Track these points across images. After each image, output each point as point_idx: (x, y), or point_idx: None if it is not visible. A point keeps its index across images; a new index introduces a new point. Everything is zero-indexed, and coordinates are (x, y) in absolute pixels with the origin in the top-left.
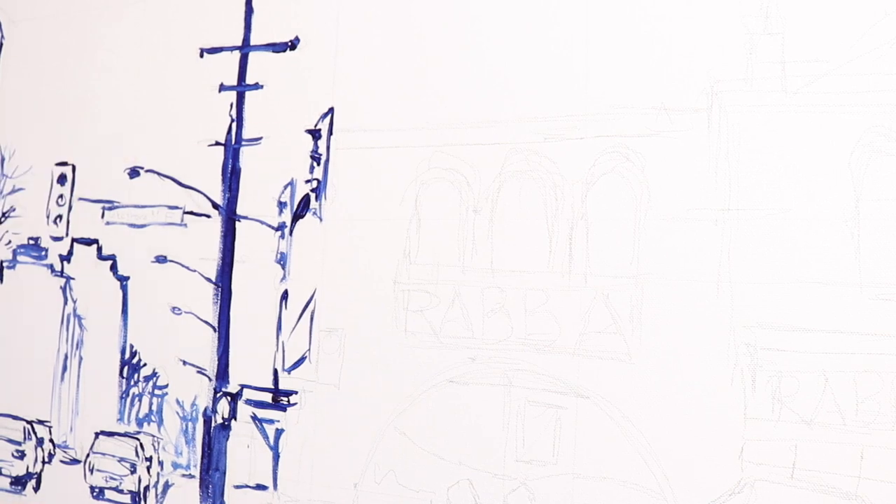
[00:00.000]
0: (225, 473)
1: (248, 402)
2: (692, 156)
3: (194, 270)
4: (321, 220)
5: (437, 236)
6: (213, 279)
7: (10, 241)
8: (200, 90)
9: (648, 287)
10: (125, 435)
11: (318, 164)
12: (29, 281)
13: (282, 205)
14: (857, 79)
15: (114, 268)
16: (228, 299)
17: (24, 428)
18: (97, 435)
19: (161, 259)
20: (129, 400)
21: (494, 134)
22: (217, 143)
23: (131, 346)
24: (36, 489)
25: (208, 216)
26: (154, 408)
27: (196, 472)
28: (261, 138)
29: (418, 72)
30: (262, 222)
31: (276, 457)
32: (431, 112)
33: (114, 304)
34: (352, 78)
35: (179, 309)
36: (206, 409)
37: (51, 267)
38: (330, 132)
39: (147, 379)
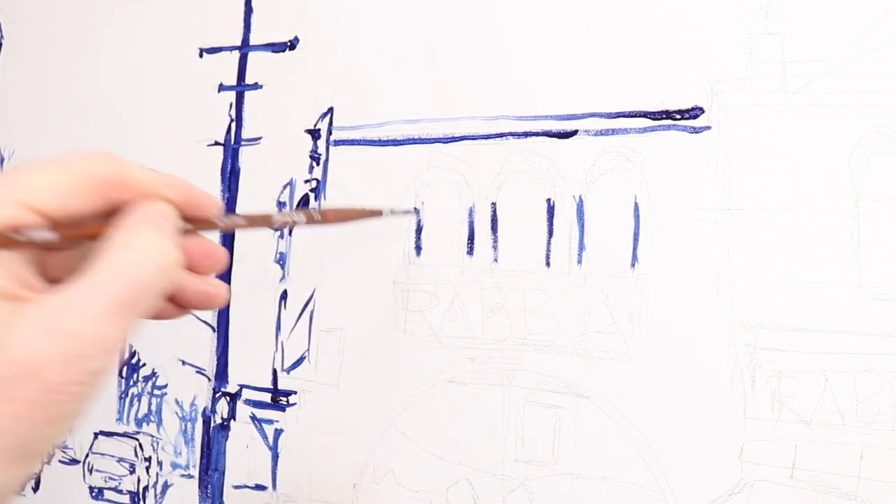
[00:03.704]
0: (224, 473)
1: (247, 402)
2: (692, 156)
3: None
4: None
5: (437, 236)
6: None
7: None
8: (199, 90)
9: (648, 287)
10: (124, 435)
11: (318, 164)
12: None
13: (281, 205)
14: (857, 79)
15: None
16: (227, 299)
17: None
18: (96, 435)
19: None
20: (128, 400)
21: (494, 134)
22: (216, 143)
23: (130, 346)
24: (35, 489)
25: None
26: (153, 408)
27: (195, 472)
28: (260, 138)
29: (418, 72)
30: None
31: (276, 457)
32: (431, 112)
33: None
34: (351, 78)
35: None
36: (205, 409)
37: None
38: (329, 132)
39: (146, 379)
